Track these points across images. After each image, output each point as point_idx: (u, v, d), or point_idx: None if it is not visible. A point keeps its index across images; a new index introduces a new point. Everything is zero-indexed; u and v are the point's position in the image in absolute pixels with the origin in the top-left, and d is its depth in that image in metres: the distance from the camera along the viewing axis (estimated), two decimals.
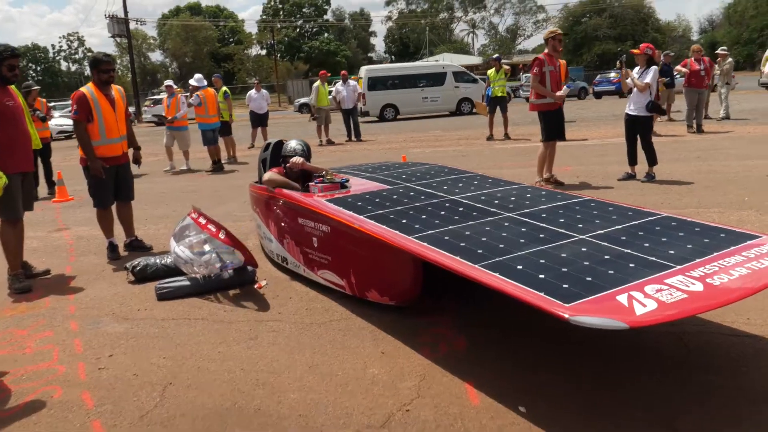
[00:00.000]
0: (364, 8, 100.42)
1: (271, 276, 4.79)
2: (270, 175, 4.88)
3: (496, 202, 4.03)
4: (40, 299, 4.63)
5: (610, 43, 47.95)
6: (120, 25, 39.75)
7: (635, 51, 7.61)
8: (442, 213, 3.86)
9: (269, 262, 5.18)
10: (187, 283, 4.45)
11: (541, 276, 2.61)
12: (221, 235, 4.29)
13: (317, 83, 16.68)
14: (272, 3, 72.48)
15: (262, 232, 5.37)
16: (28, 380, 3.25)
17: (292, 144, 5.09)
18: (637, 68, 7.60)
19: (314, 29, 70.65)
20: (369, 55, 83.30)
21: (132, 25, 42.84)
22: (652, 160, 7.69)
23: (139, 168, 6.35)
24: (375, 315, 3.82)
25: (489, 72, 14.35)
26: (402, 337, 3.48)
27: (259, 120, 16.32)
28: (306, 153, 5.06)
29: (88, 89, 5.40)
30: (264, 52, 68.88)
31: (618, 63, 7.73)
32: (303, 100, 37.32)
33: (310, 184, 4.74)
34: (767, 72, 19.86)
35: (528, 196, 4.17)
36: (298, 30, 69.22)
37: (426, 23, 79.13)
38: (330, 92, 17.34)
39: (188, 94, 12.73)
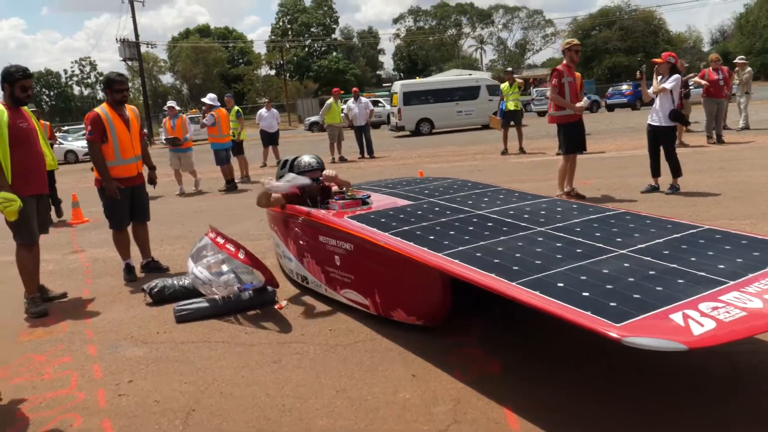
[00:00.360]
0: (372, 26, 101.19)
1: (291, 296, 4.67)
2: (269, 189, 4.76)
3: (526, 216, 3.89)
4: (58, 323, 4.53)
5: (621, 56, 47.91)
6: (131, 49, 40.20)
7: (657, 60, 7.48)
8: (471, 228, 3.73)
9: (288, 281, 5.06)
10: (206, 304, 4.34)
11: (585, 294, 2.47)
12: (240, 255, 4.18)
13: (330, 100, 16.70)
14: (281, 23, 73.29)
15: (280, 251, 5.25)
16: (47, 408, 3.13)
17: (306, 159, 4.99)
18: (659, 78, 7.46)
19: (323, 48, 71.20)
20: (378, 72, 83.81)
21: (143, 49, 43.35)
22: (676, 171, 7.52)
23: (155, 188, 6.29)
24: (401, 335, 3.68)
25: (502, 86, 14.27)
26: (432, 358, 3.33)
27: (269, 139, 16.33)
28: (321, 167, 4.96)
29: (102, 109, 5.35)
30: (273, 72, 69.50)
31: (638, 73, 7.60)
32: (313, 118, 37.45)
33: (331, 201, 4.64)
34: None
35: (558, 209, 4.03)
36: (306, 50, 69.76)
37: (434, 40, 79.64)
38: (342, 110, 17.33)
39: (200, 114, 12.67)
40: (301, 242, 4.65)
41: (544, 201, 4.38)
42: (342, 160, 16.31)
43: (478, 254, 3.15)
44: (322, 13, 71.22)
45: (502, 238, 3.44)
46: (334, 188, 4.95)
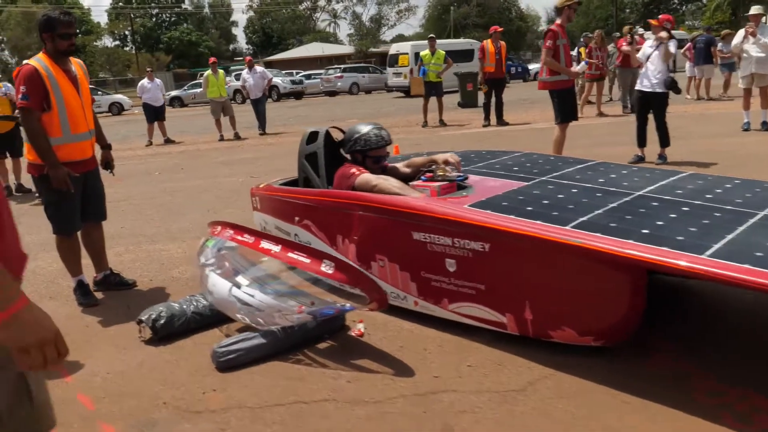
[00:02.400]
0: None
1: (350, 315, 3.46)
2: (379, 180, 3.55)
3: (709, 196, 3.10)
4: None
5: (480, 32, 49.00)
6: None
7: (653, 21, 6.99)
8: (642, 211, 2.89)
9: None
10: (261, 340, 3.01)
11: None
12: (326, 268, 2.87)
13: (207, 72, 14.80)
14: None
15: None
16: None
17: (373, 131, 3.78)
18: (649, 41, 6.98)
19: (172, 18, 65.93)
20: (232, 46, 79.61)
21: None
22: (665, 140, 7.14)
23: (113, 175, 4.54)
24: (585, 364, 2.69)
25: (423, 54, 13.38)
26: (663, 398, 2.38)
27: (155, 113, 14.27)
28: (390, 140, 3.82)
29: (39, 62, 3.69)
30: (117, 43, 63.16)
31: (629, 37, 7.07)
32: (174, 93, 34.33)
33: (416, 184, 3.50)
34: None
35: (701, 183, 3.48)
36: (154, 20, 64.16)
37: (288, 12, 76.93)
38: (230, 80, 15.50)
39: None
40: (368, 242, 3.46)
41: (679, 176, 3.62)
42: (237, 137, 14.61)
43: (679, 238, 2.44)
44: None
45: (738, 228, 2.56)
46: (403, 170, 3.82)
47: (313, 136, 4.33)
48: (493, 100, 12.56)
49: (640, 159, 7.30)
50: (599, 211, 2.91)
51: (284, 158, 10.18)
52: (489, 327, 3.02)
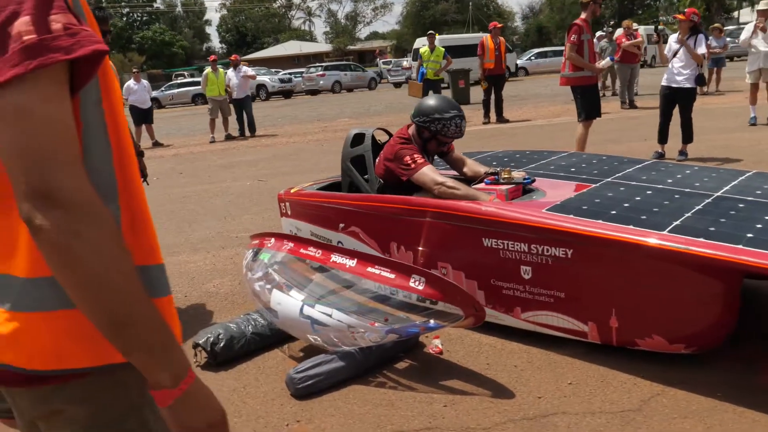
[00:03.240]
0: None
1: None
2: (443, 181, 3.36)
3: (759, 192, 3.08)
4: None
5: (458, 28, 49.03)
6: None
7: (680, 16, 6.86)
8: (733, 213, 2.78)
9: None
10: (341, 363, 2.78)
11: None
12: (416, 283, 2.65)
13: (207, 70, 14.48)
14: None
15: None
16: None
17: (455, 120, 3.54)
18: (675, 35, 6.88)
19: (144, 18, 64.76)
20: (207, 45, 78.55)
21: None
22: (689, 137, 7.05)
23: (147, 184, 4.24)
24: (677, 378, 2.53)
25: (422, 50, 13.17)
26: None
27: (143, 116, 13.88)
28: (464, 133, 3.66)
29: None
30: None
31: (655, 35, 6.97)
32: (153, 93, 33.63)
33: (479, 187, 3.34)
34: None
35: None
36: (125, 19, 62.94)
37: (262, 11, 76.14)
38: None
39: None
40: (429, 250, 3.28)
41: (746, 175, 3.52)
42: (228, 138, 14.30)
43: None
44: None
45: None
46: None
47: (358, 138, 4.10)
48: (493, 96, 12.42)
49: (661, 156, 7.21)
50: (688, 214, 2.78)
51: (285, 159, 9.93)
52: (567, 335, 2.88)
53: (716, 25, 15.36)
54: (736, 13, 55.58)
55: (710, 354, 2.65)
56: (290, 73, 34.21)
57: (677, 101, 6.93)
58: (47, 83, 0.78)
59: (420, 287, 2.61)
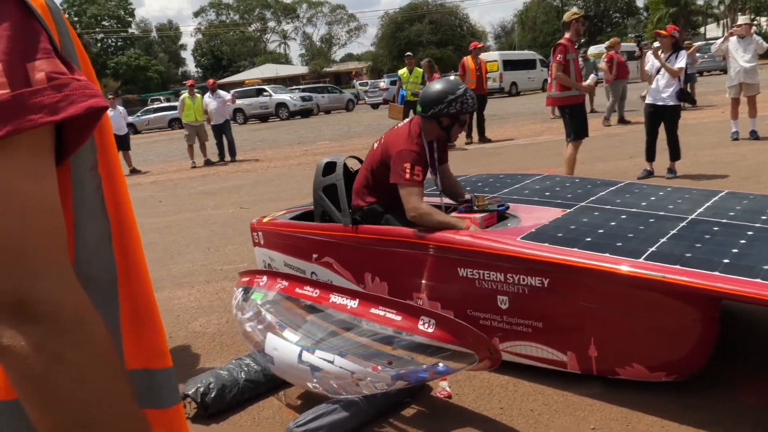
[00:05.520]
0: (172, 20, 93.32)
1: None
2: (427, 208, 3.20)
3: (732, 213, 3.09)
4: None
5: (433, 48, 49.45)
6: None
7: (661, 32, 6.85)
8: (708, 237, 2.74)
9: None
10: (344, 413, 2.57)
11: None
12: (425, 326, 2.45)
13: (183, 94, 14.30)
14: (67, 15, 64.51)
15: None
16: None
17: (468, 92, 3.36)
18: (661, 54, 6.84)
19: (119, 43, 64.31)
20: (183, 69, 78.29)
21: None
22: (676, 153, 7.00)
23: None
24: (706, 417, 2.37)
25: (401, 72, 13.09)
26: None
27: (119, 143, 13.51)
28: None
29: None
30: None
31: (638, 51, 6.94)
32: (130, 119, 33.26)
33: (455, 215, 3.23)
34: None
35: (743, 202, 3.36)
36: (100, 45, 62.44)
37: (236, 35, 76.20)
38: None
39: None
40: (404, 280, 3.27)
41: (719, 195, 3.51)
42: (208, 163, 14.06)
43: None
44: (114, 4, 64.08)
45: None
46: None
47: (329, 167, 3.95)
48: (474, 116, 12.36)
49: (650, 174, 7.15)
50: (663, 240, 2.75)
51: (267, 185, 9.73)
52: (546, 366, 2.81)
53: (686, 41, 15.60)
54: (702, 29, 57.02)
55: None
56: (310, 90, 32.78)
57: (662, 119, 6.89)
58: (24, 154, 0.58)
59: (430, 330, 2.42)
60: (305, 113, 29.34)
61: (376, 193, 3.54)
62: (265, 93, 29.91)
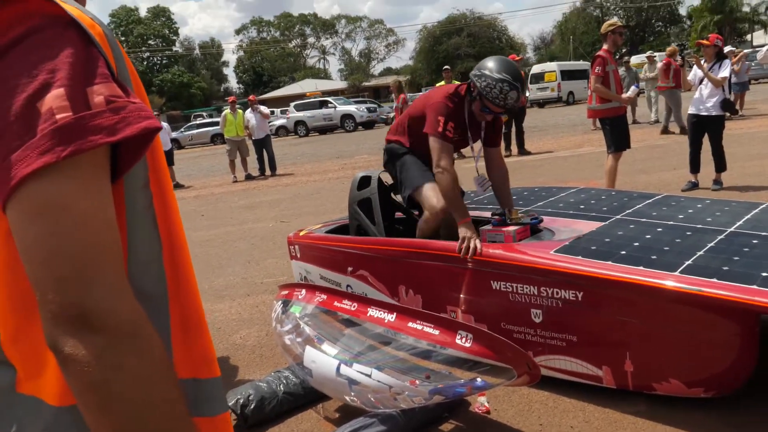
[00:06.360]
0: (215, 38, 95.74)
1: None
2: (452, 172, 3.33)
3: None
4: None
5: (472, 61, 49.30)
6: None
7: (704, 42, 6.73)
8: (747, 250, 2.65)
9: None
10: (381, 427, 2.59)
11: None
12: (462, 340, 2.46)
13: (225, 110, 14.63)
14: (116, 35, 66.70)
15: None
16: None
17: (513, 94, 3.19)
18: (704, 63, 6.71)
19: (164, 61, 66.26)
20: (225, 86, 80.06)
21: None
22: (722, 165, 6.82)
23: None
24: (721, 427, 2.30)
25: (439, 85, 13.11)
26: None
27: (165, 158, 13.89)
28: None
29: None
30: None
31: (680, 59, 6.81)
32: (173, 134, 34.15)
33: (483, 230, 3.19)
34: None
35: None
36: (146, 63, 64.44)
37: (277, 51, 77.59)
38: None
39: None
40: (437, 293, 3.28)
41: (760, 207, 3.38)
42: (249, 178, 14.33)
43: None
44: (159, 23, 66.15)
45: None
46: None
47: (364, 181, 4.00)
48: (513, 128, 12.30)
49: (694, 186, 6.99)
50: (700, 253, 2.68)
51: (307, 199, 9.84)
52: (581, 380, 2.76)
53: (731, 49, 15.23)
54: (749, 36, 55.44)
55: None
56: (374, 102, 33.16)
57: (706, 129, 6.73)
58: (85, 172, 0.63)
59: (468, 344, 2.42)
60: (369, 125, 29.61)
61: (407, 135, 3.66)
62: (329, 105, 30.22)
